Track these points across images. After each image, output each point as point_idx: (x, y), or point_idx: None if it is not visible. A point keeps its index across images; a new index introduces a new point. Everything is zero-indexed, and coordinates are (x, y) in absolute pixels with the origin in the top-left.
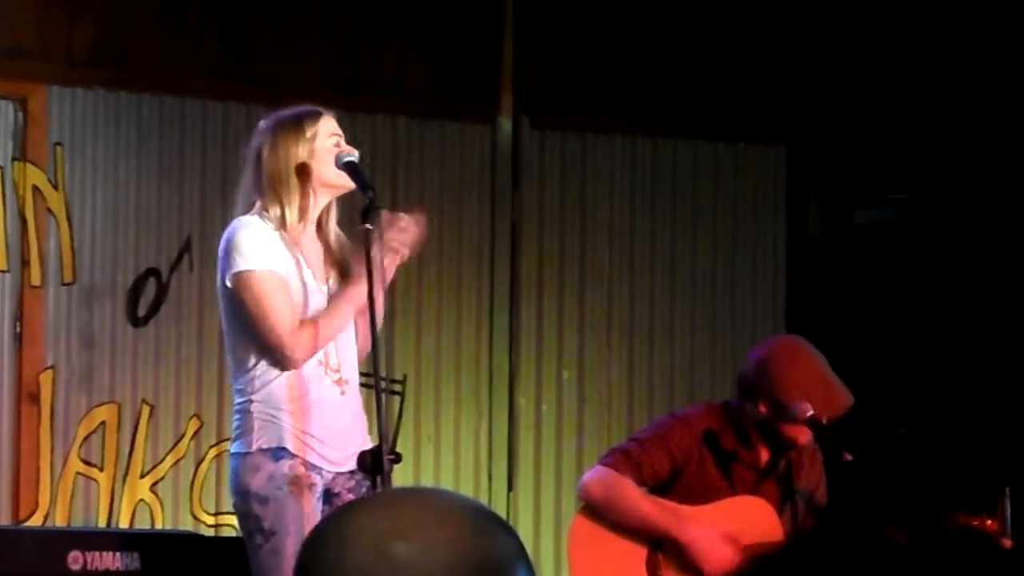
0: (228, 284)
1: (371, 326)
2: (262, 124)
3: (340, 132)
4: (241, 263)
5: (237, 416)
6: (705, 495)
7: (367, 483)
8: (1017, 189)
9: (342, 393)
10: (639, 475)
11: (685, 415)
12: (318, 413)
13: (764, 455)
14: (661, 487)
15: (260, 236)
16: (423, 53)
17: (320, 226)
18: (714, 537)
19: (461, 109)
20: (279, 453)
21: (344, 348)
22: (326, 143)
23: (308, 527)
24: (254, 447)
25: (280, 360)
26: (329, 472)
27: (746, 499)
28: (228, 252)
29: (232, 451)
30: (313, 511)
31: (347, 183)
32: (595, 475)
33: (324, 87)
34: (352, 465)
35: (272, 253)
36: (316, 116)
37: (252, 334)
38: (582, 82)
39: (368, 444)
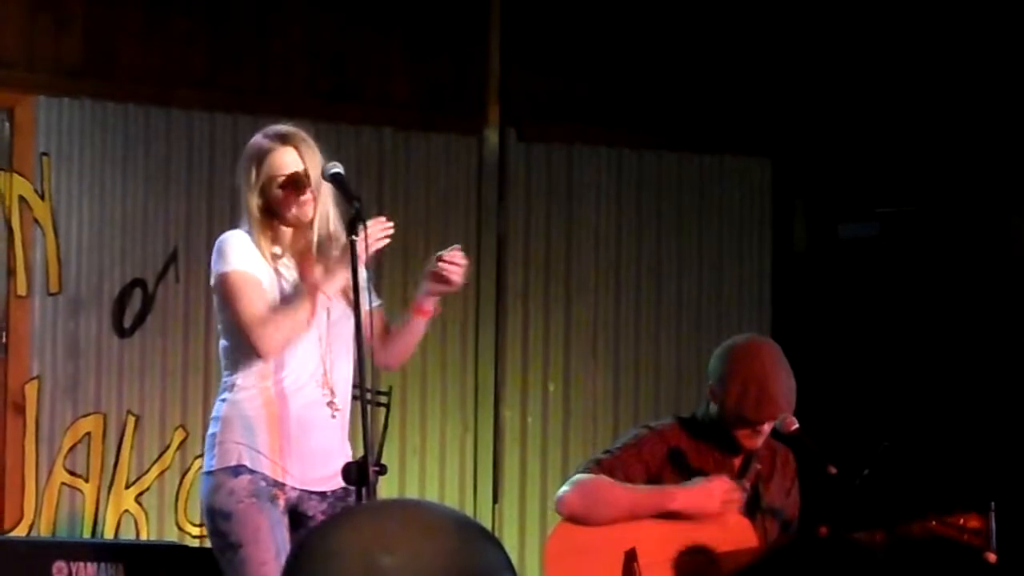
0: (212, 287)
1: (356, 340)
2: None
3: (290, 164)
4: (222, 266)
5: (209, 431)
6: None
7: (343, 504)
8: (1000, 204)
9: (332, 416)
10: (613, 478)
11: (658, 427)
12: (293, 430)
13: (736, 461)
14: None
15: (242, 243)
16: (409, 65)
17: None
18: (701, 488)
19: (447, 121)
20: (238, 469)
21: (340, 373)
22: (273, 190)
23: (272, 536)
24: (216, 466)
25: (256, 355)
26: (295, 489)
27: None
28: (215, 258)
29: (202, 472)
30: (277, 522)
31: (303, 218)
32: (570, 487)
33: (310, 98)
34: (325, 487)
35: (251, 259)
36: (264, 156)
37: (234, 340)
38: (568, 94)
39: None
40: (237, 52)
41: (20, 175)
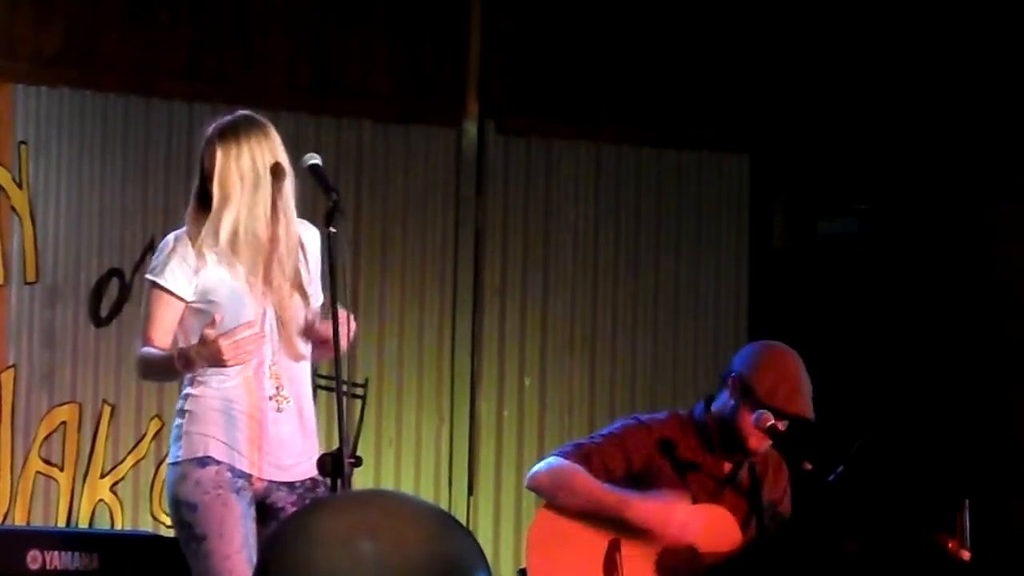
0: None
1: (334, 332)
2: None
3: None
4: (151, 272)
5: (175, 422)
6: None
7: (312, 495)
8: (979, 200)
9: (278, 410)
10: (587, 465)
11: (647, 420)
12: (251, 423)
13: (726, 464)
14: (623, 485)
15: (179, 251)
16: (389, 57)
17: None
18: (666, 507)
19: (426, 113)
20: (205, 461)
21: (290, 365)
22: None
23: (237, 529)
24: (183, 456)
25: None
26: (261, 481)
27: (707, 507)
28: (154, 256)
29: (168, 462)
30: (243, 514)
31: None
32: (543, 465)
33: (289, 90)
34: (290, 477)
35: (181, 272)
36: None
37: (184, 335)
38: (548, 88)
39: (315, 454)
40: (218, 43)
41: None
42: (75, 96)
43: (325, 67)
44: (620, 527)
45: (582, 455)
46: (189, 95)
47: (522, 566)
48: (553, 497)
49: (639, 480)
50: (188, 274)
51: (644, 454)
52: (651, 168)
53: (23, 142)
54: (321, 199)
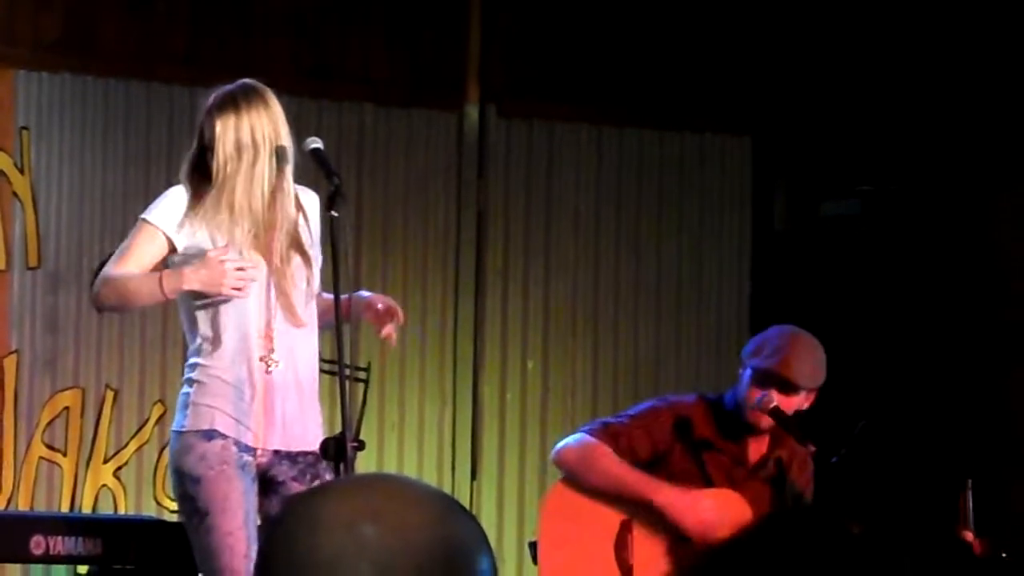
0: None
1: (336, 316)
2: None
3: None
4: (144, 211)
5: (181, 391)
6: (684, 484)
7: (313, 471)
8: (983, 182)
9: (267, 371)
10: (615, 445)
11: (672, 401)
12: (250, 393)
13: (753, 452)
14: (645, 467)
15: (174, 199)
16: (390, 41)
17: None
18: (692, 496)
19: (427, 97)
20: (211, 434)
21: (290, 333)
22: None
23: (240, 505)
24: (188, 427)
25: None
26: (264, 452)
27: (722, 492)
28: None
29: (171, 429)
30: (246, 490)
31: None
32: (571, 440)
33: (291, 74)
34: (294, 447)
35: (172, 216)
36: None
37: (185, 300)
38: (549, 71)
39: (317, 427)
40: (218, 27)
41: (0, 149)
42: (76, 81)
43: (326, 51)
44: (636, 508)
45: (610, 435)
46: (190, 80)
47: (532, 539)
48: (578, 474)
49: (659, 461)
50: (179, 218)
51: (668, 436)
52: (653, 151)
53: (25, 127)
54: (323, 183)
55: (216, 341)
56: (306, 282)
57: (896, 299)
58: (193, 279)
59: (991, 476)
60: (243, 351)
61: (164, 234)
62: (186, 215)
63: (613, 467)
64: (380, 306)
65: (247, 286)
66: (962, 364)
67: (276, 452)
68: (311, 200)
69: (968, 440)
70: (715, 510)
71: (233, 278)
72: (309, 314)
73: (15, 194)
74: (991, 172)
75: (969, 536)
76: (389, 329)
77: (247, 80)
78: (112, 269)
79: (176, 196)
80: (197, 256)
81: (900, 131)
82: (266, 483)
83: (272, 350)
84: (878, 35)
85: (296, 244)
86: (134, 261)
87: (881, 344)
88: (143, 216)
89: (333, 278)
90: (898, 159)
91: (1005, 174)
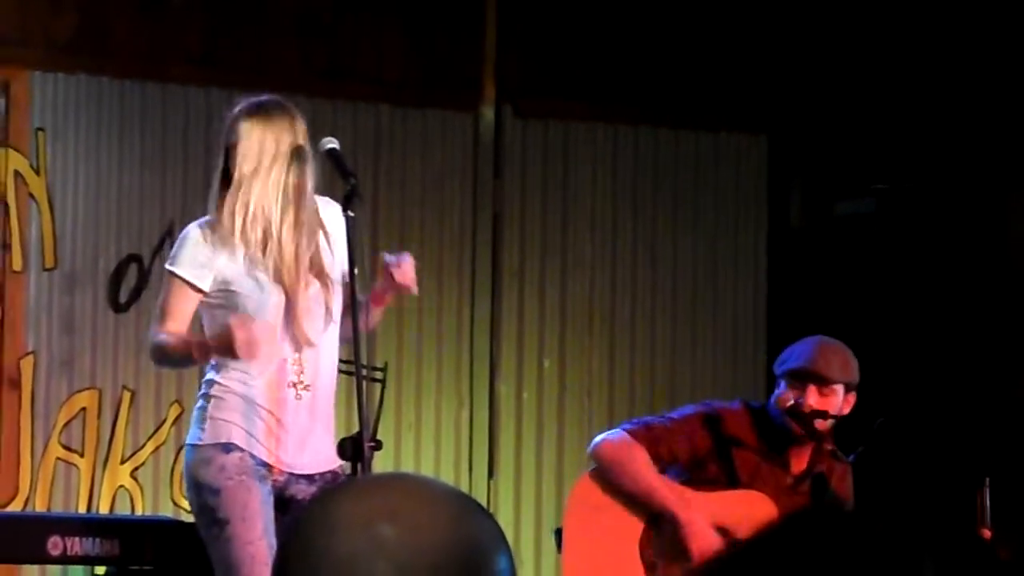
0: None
1: (352, 316)
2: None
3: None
4: (169, 262)
5: (197, 405)
6: (713, 484)
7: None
8: (997, 181)
9: (297, 397)
10: (655, 449)
11: (718, 407)
12: (270, 417)
13: (797, 464)
14: (682, 471)
15: (197, 242)
16: (405, 41)
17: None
18: (708, 526)
19: (443, 97)
20: (228, 446)
21: (313, 355)
22: None
23: (259, 514)
24: (206, 440)
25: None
26: (282, 473)
27: (750, 493)
28: (175, 246)
29: (187, 442)
30: (264, 500)
31: None
32: (611, 436)
33: (306, 75)
34: (311, 469)
35: (198, 262)
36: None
37: (211, 320)
38: (565, 71)
39: (331, 449)
40: (233, 28)
41: (15, 150)
42: (92, 82)
43: (341, 51)
44: (662, 514)
45: (652, 438)
46: (205, 81)
47: (557, 526)
48: (611, 472)
49: (697, 466)
50: (207, 265)
51: (708, 444)
52: (669, 150)
53: (40, 128)
54: (339, 183)
55: (239, 365)
56: (324, 307)
57: (912, 297)
58: (216, 351)
59: (1009, 474)
60: (266, 379)
61: (190, 285)
62: (212, 257)
63: (645, 474)
64: (392, 266)
65: (259, 353)
66: (979, 361)
67: (292, 472)
68: (333, 214)
69: (986, 438)
70: (720, 544)
71: (245, 349)
72: (329, 339)
73: (31, 195)
74: (1006, 170)
75: (987, 534)
76: (406, 279)
77: (274, 96)
78: (155, 332)
79: (193, 238)
80: (233, 284)
81: (915, 130)
82: (283, 503)
83: (302, 373)
84: (893, 34)
85: (318, 270)
86: (172, 321)
87: (898, 342)
88: (168, 267)
89: (349, 279)
90: (913, 158)
91: (1020, 172)
